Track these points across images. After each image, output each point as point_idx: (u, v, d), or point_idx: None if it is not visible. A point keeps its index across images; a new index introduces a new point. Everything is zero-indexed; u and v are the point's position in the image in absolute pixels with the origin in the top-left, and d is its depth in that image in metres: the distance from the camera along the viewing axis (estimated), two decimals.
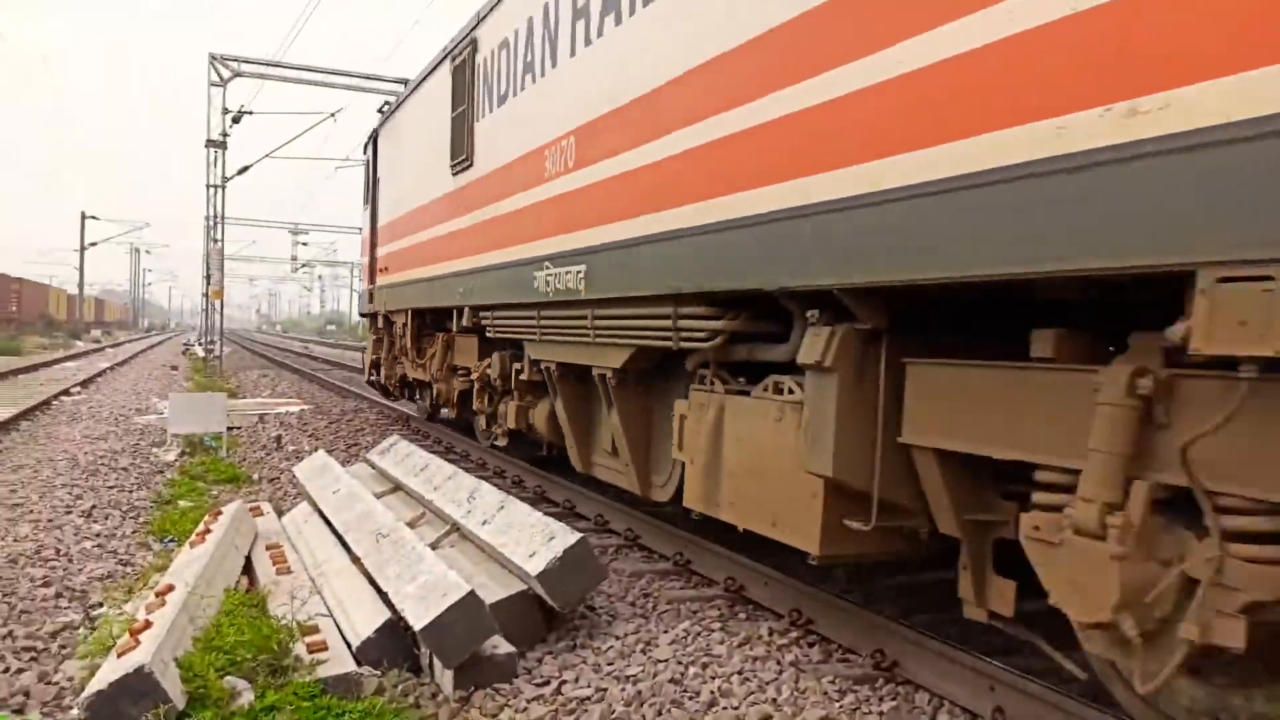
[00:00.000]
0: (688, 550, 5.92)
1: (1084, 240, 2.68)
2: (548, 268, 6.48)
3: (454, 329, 9.44)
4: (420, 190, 10.33)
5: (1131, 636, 2.86)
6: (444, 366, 10.21)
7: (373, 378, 14.55)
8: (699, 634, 4.64)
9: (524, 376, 7.77)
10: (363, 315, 15.74)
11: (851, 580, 5.44)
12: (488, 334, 8.24)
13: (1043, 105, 2.80)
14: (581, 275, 5.94)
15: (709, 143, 4.55)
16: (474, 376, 9.20)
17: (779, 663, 4.25)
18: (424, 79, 10.45)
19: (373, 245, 13.44)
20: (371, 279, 13.58)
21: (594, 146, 5.86)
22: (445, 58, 9.35)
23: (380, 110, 16.66)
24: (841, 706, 3.84)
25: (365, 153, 14.69)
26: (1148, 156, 2.50)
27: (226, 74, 23.92)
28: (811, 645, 4.53)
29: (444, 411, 11.86)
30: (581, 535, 4.70)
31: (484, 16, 8.18)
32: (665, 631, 4.69)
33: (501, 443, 9.15)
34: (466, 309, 8.65)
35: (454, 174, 8.95)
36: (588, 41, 5.96)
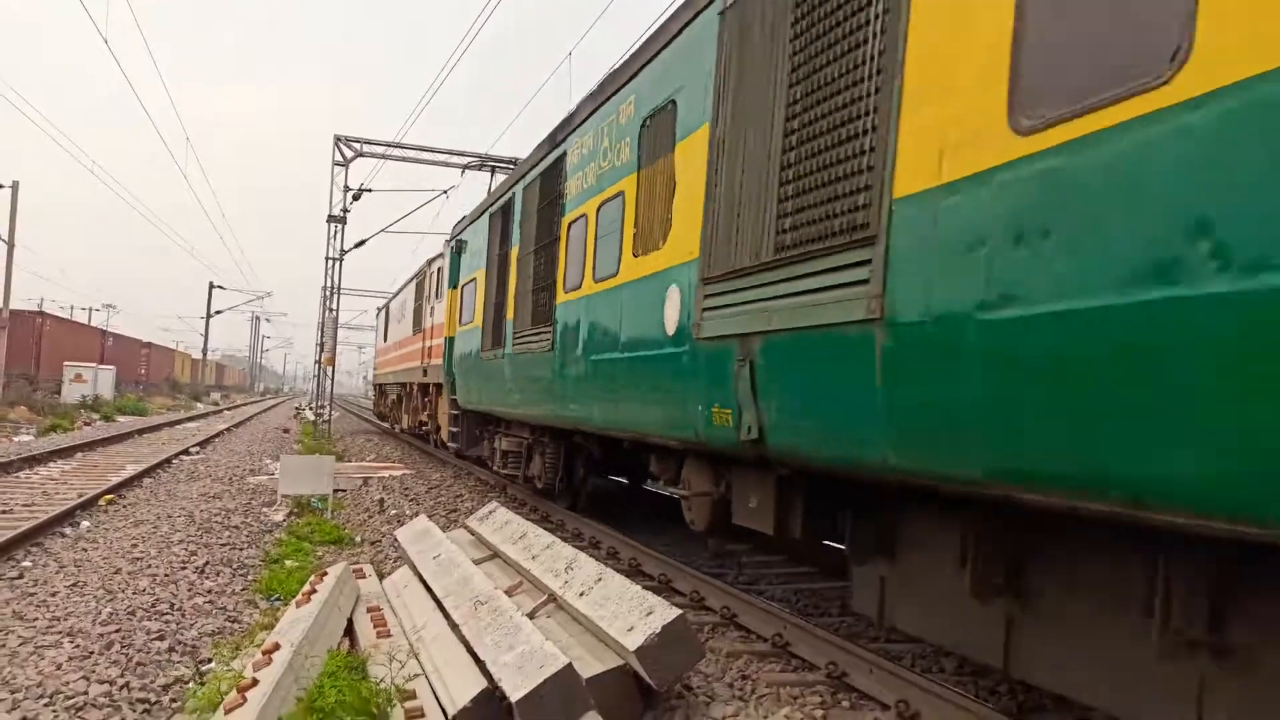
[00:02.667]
0: (787, 631, 5.75)
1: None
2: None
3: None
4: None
5: None
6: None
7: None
8: None
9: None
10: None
11: (962, 668, 5.17)
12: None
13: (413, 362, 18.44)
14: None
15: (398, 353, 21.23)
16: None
17: None
18: (400, 291, 26.35)
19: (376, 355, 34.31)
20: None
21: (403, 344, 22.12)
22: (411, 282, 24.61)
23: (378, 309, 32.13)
24: None
25: (376, 317, 32.96)
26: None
27: (349, 154, 25.27)
28: None
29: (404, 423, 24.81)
30: (680, 611, 4.62)
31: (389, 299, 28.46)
32: (765, 717, 4.53)
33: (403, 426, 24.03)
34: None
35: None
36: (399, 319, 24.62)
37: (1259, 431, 2.42)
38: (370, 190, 25.42)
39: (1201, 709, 3.26)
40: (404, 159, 25.56)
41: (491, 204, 12.73)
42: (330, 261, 26.43)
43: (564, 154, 9.19)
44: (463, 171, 25.38)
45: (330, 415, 28.43)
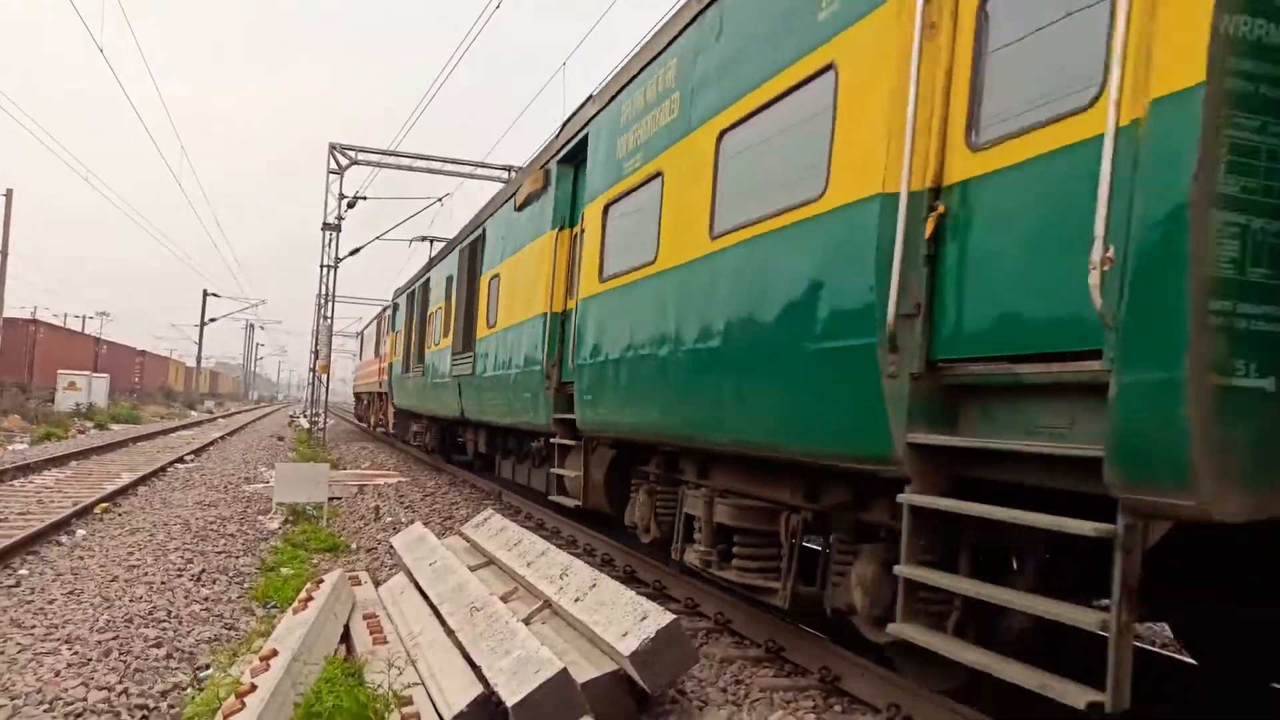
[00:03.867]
0: (780, 637, 5.80)
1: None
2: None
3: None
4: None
5: None
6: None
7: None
8: None
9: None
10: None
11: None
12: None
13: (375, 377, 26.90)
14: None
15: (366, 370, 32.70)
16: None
17: None
18: (370, 324, 34.82)
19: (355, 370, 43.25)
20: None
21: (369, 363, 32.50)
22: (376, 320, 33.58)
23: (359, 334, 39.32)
24: None
25: (357, 340, 41.94)
26: None
27: (344, 162, 25.35)
28: None
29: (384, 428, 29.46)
30: (675, 616, 4.67)
31: (363, 329, 39.17)
32: None
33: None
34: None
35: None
36: (370, 345, 34.61)
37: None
38: (364, 198, 25.49)
39: None
40: (398, 167, 25.66)
41: (409, 287, 21.75)
42: (325, 269, 26.48)
43: (401, 300, 23.41)
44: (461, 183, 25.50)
45: (325, 423, 28.43)
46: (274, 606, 6.96)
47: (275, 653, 4.72)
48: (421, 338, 18.28)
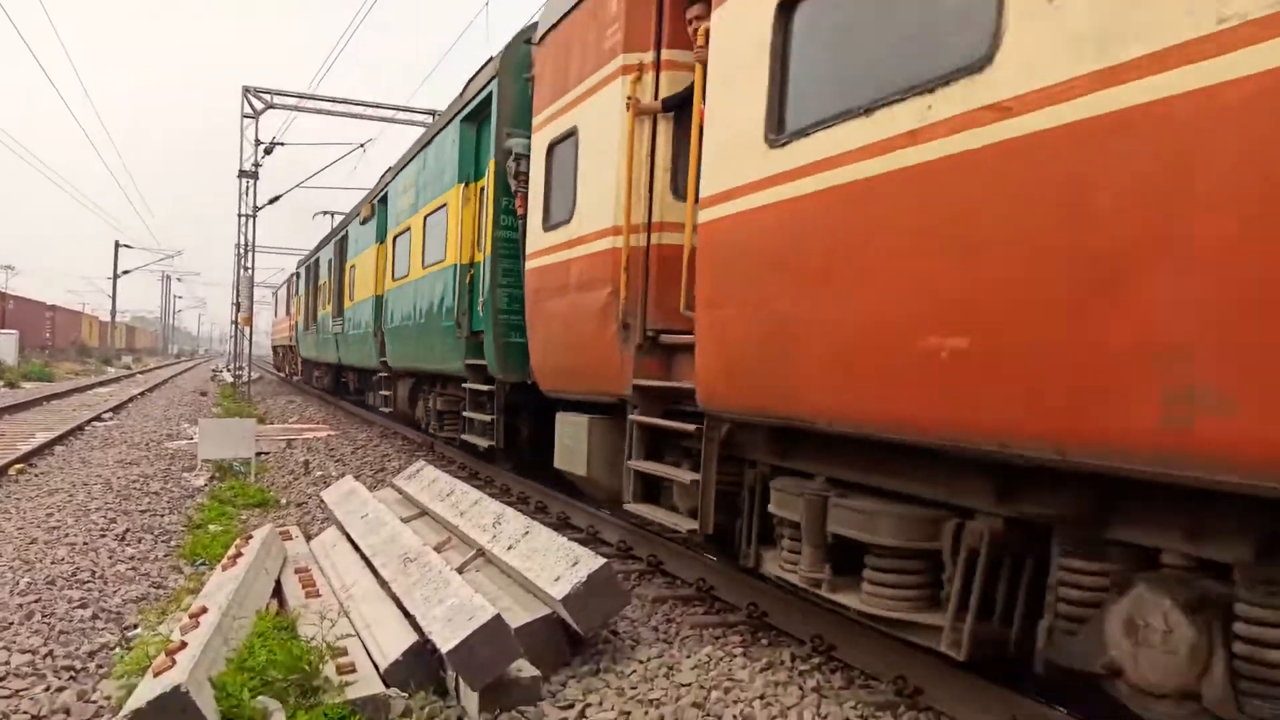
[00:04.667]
0: (710, 576, 5.97)
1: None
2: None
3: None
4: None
5: None
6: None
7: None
8: (722, 659, 4.68)
9: None
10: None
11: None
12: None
13: (287, 333, 34.97)
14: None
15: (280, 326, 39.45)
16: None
17: (801, 688, 4.29)
18: (282, 285, 42.38)
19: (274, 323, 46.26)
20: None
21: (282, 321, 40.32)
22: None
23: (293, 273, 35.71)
24: None
25: (273, 296, 48.15)
26: None
27: (260, 106, 24.42)
28: (834, 671, 4.56)
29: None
30: (606, 560, 4.77)
31: (277, 289, 45.08)
32: (688, 656, 4.73)
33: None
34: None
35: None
36: (283, 303, 41.16)
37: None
38: (282, 144, 24.67)
39: None
40: (318, 111, 24.83)
41: (307, 259, 27.88)
42: (243, 218, 25.67)
43: (301, 270, 29.32)
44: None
45: (249, 376, 27.82)
46: (203, 564, 6.89)
47: (205, 609, 4.69)
48: (314, 303, 24.74)
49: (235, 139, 24.49)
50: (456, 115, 10.12)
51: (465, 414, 10.11)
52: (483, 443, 9.50)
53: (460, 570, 5.44)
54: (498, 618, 4.21)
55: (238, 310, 27.67)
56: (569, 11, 6.89)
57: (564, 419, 6.98)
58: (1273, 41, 2.25)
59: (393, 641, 4.55)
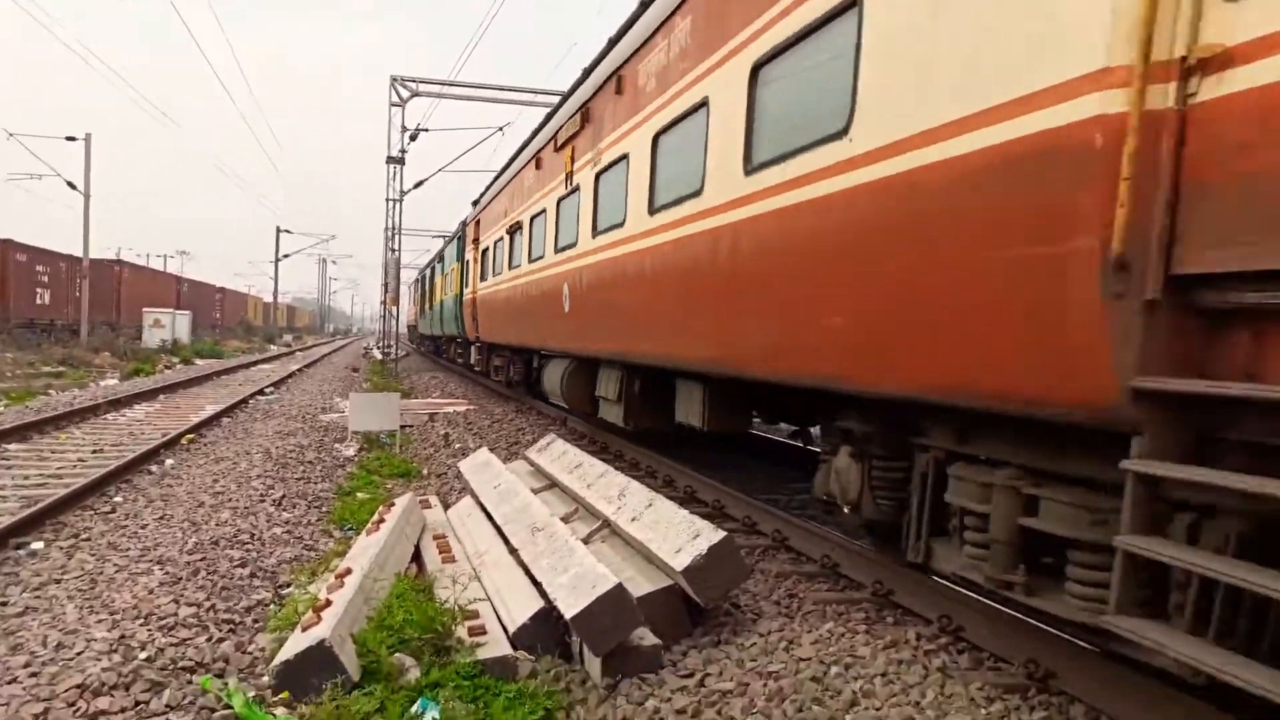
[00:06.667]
0: (835, 553, 5.90)
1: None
2: None
3: None
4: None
5: None
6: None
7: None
8: (843, 635, 4.63)
9: None
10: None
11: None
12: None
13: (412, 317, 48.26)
14: None
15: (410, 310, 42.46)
16: None
17: (925, 667, 4.20)
18: (415, 280, 48.26)
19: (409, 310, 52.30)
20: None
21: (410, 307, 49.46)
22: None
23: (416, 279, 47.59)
24: (989, 714, 3.76)
25: (410, 288, 51.41)
26: None
27: (406, 94, 25.41)
28: (961, 652, 4.44)
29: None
30: (727, 533, 4.79)
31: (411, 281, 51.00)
32: (809, 631, 4.70)
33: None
34: None
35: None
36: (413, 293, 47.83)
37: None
38: (427, 130, 25.57)
39: None
40: (459, 97, 25.61)
41: (426, 267, 38.50)
42: (390, 203, 26.81)
43: (431, 270, 34.46)
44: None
45: (396, 354, 29.12)
46: (350, 529, 7.31)
47: (349, 571, 4.99)
48: (431, 294, 32.44)
49: (383, 127, 25.55)
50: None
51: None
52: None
53: (586, 540, 5.57)
54: (619, 586, 4.30)
55: (385, 291, 28.99)
56: None
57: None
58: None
59: (521, 607, 4.72)
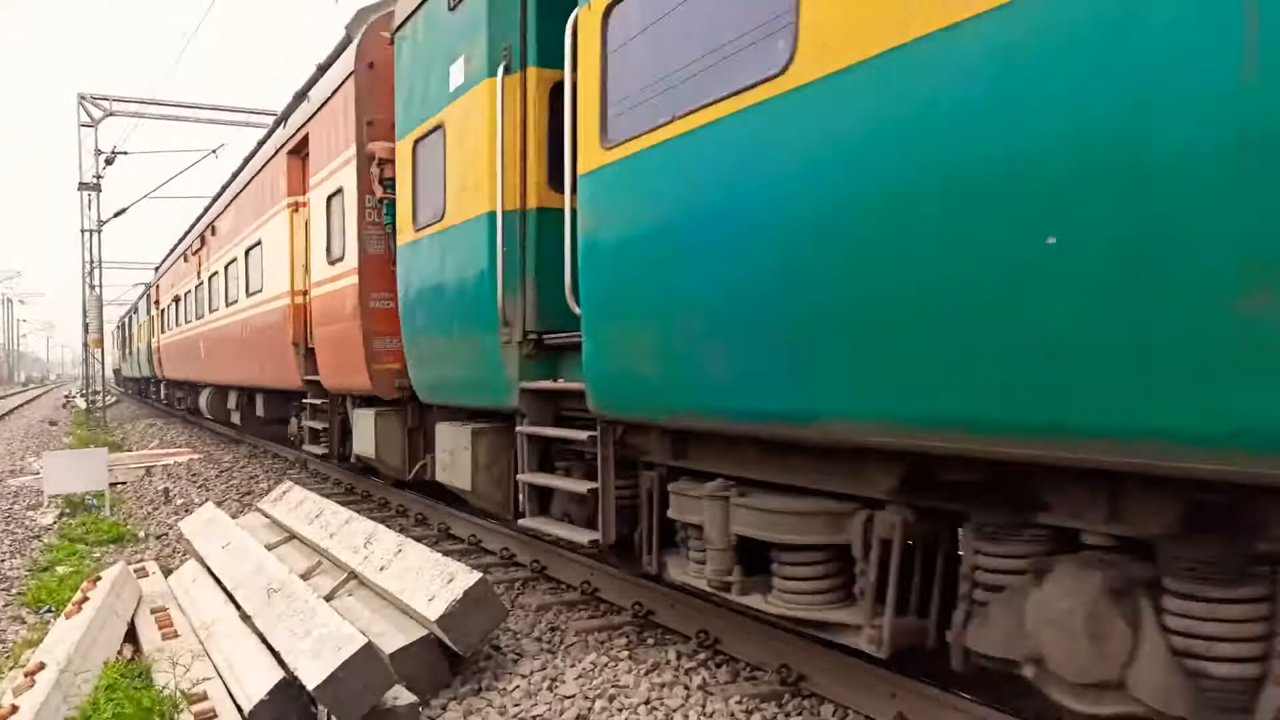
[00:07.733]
0: (595, 577, 5.87)
1: None
2: None
3: None
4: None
5: None
6: None
7: None
8: (606, 665, 4.59)
9: None
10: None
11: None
12: None
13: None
14: None
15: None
16: None
17: (686, 687, 4.23)
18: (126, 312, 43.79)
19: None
20: None
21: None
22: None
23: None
24: None
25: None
26: None
27: (98, 114, 22.95)
28: (719, 665, 4.53)
29: None
30: (481, 575, 4.61)
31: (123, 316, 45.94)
32: (572, 665, 4.62)
33: None
34: None
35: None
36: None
37: None
38: (125, 153, 23.26)
39: None
40: (162, 117, 23.52)
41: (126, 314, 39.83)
42: (86, 233, 24.09)
43: (129, 318, 38.89)
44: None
45: (104, 401, 26.19)
46: (49, 611, 6.36)
47: (42, 666, 4.30)
48: (132, 339, 34.62)
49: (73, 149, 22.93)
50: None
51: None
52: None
53: (330, 597, 5.18)
54: (367, 646, 4.00)
55: (87, 331, 25.95)
56: None
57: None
58: None
59: (257, 681, 4.26)
